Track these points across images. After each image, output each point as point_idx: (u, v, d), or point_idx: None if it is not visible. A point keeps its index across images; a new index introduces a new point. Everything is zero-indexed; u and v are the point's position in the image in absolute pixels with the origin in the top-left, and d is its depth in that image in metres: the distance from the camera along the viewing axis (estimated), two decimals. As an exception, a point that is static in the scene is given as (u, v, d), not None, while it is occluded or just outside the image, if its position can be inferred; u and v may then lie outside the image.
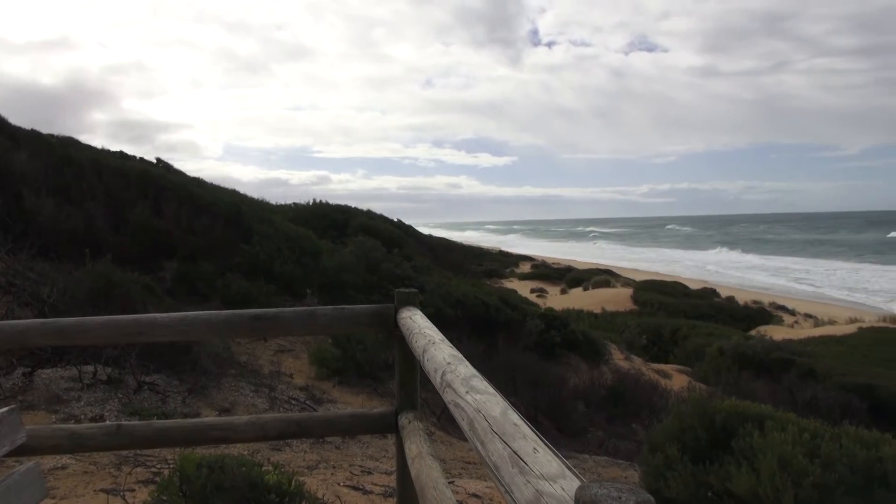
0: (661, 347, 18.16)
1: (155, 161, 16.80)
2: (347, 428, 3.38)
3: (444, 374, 1.69)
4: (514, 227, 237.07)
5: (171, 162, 17.91)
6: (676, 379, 12.93)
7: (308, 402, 6.71)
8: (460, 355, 1.85)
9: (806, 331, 22.14)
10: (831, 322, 23.81)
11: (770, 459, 3.69)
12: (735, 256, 72.03)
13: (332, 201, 22.63)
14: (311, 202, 21.77)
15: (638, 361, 13.55)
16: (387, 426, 2.89)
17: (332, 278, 10.70)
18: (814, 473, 3.56)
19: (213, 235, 9.80)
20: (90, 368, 5.67)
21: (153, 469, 4.14)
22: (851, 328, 21.39)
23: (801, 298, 35.40)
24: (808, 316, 26.77)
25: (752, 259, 67.44)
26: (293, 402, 6.56)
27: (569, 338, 11.91)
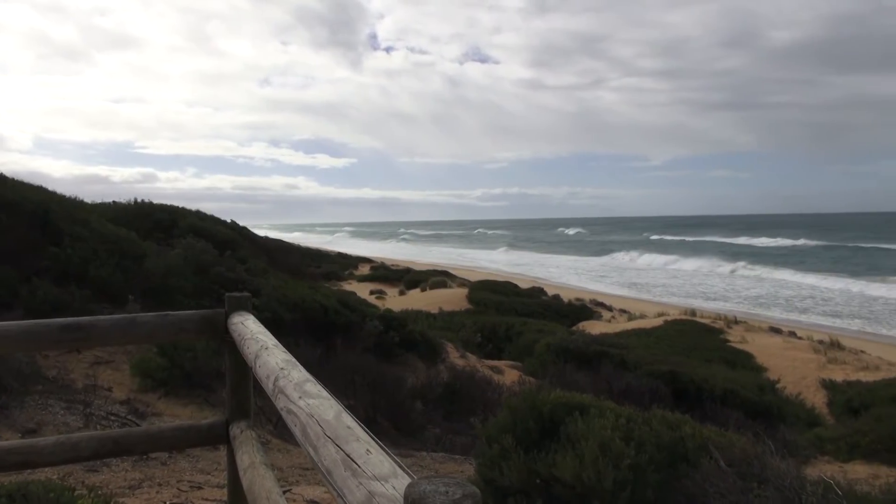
0: (495, 344, 18.93)
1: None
2: (174, 442, 3.17)
3: (276, 379, 1.65)
4: (345, 228, 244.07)
5: (-39, 154, 15.76)
6: (509, 374, 13.55)
7: (129, 416, 6.22)
8: (294, 360, 1.81)
9: (621, 325, 24.19)
10: (642, 316, 26.20)
11: (592, 445, 3.98)
12: (527, 256, 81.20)
13: (160, 201, 21.12)
14: (133, 201, 20.18)
15: (473, 359, 14.03)
16: (217, 437, 2.75)
17: (157, 283, 9.99)
18: (629, 455, 3.90)
19: (14, 237, 8.76)
20: None
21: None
22: (658, 321, 23.70)
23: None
24: (622, 311, 29.23)
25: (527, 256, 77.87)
26: (112, 417, 6.05)
27: (407, 338, 12.06)
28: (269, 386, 1.71)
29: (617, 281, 50.13)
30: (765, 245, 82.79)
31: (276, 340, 2.12)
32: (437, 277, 35.75)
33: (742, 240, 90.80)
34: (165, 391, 7.20)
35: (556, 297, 30.78)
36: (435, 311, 24.25)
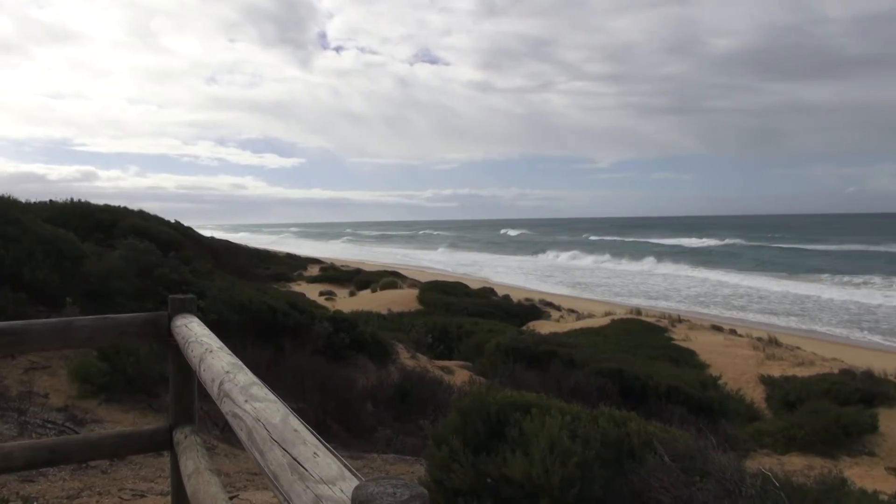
0: (446, 345, 18.98)
1: None
2: (114, 450, 3.07)
3: (221, 383, 1.61)
4: (291, 228, 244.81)
5: None
6: (459, 374, 13.60)
7: (67, 424, 5.99)
8: (240, 363, 1.78)
9: (570, 324, 24.57)
10: (590, 315, 26.67)
11: (540, 443, 4.03)
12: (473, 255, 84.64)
13: (100, 200, 20.47)
14: (71, 200, 19.47)
15: (424, 359, 14.03)
16: (160, 444, 2.68)
17: (97, 285, 9.66)
18: (577, 452, 3.96)
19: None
20: None
21: None
22: (606, 320, 24.16)
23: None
24: (571, 311, 29.68)
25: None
26: (49, 425, 5.82)
27: (357, 339, 11.98)
28: (214, 390, 1.67)
29: (562, 280, 51.57)
30: (695, 245, 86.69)
31: (222, 343, 2.08)
32: (388, 278, 35.63)
33: (673, 241, 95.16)
34: (106, 397, 6.97)
35: (506, 298, 31.05)
36: (385, 311, 24.16)
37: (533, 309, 28.95)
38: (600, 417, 4.56)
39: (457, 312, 24.62)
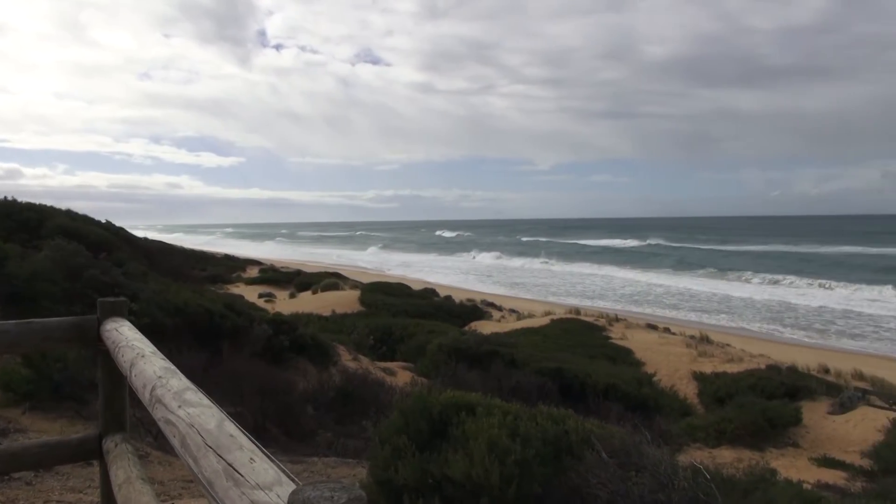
0: (388, 346, 18.92)
1: None
2: (39, 459, 2.93)
3: (154, 389, 1.57)
4: (226, 229, 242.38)
5: None
6: (401, 375, 13.58)
7: (-12, 434, 5.70)
8: (174, 368, 1.73)
9: (511, 324, 24.84)
10: (530, 315, 27.03)
11: (480, 443, 4.06)
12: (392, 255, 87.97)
13: (25, 199, 19.53)
14: (-8, 199, 18.52)
15: (366, 361, 13.95)
16: (89, 453, 2.58)
17: (21, 288, 9.22)
18: (515, 451, 4.01)
19: None
20: None
21: None
22: (546, 320, 24.53)
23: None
24: (512, 311, 30.02)
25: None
26: (-33, 436, 5.52)
27: (298, 341, 11.82)
28: (145, 396, 1.62)
29: (499, 281, 52.76)
30: (622, 246, 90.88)
31: (155, 347, 2.02)
32: (329, 280, 35.23)
33: (605, 242, 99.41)
34: (31, 405, 6.66)
35: (448, 298, 31.16)
36: (327, 313, 23.91)
37: (475, 309, 29.15)
38: (540, 416, 4.63)
39: (399, 314, 24.57)
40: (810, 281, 47.32)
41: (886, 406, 14.26)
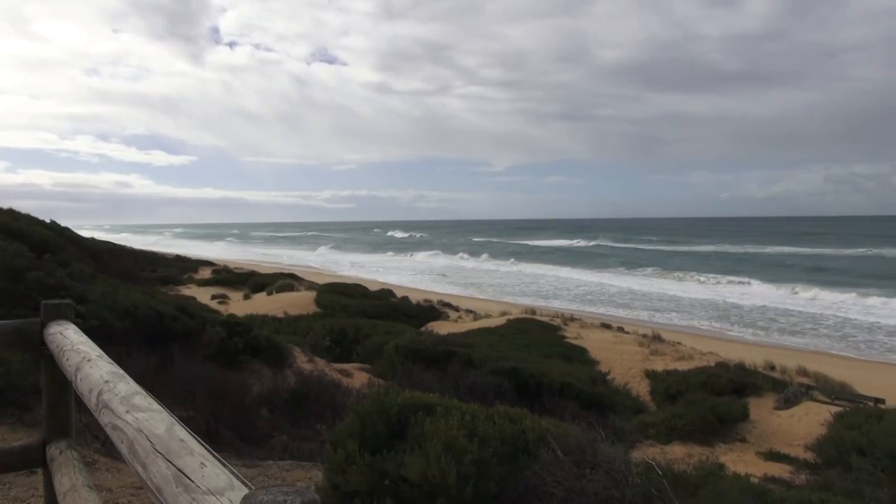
0: (345, 347, 18.78)
1: None
2: (-22, 469, 2.82)
3: (100, 393, 1.52)
4: (175, 229, 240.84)
5: None
6: (358, 377, 13.49)
7: (-78, 443, 5.44)
8: (122, 372, 1.68)
9: (467, 324, 24.94)
10: (487, 315, 27.18)
11: (437, 443, 4.07)
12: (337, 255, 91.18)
13: (-41, 198, 18.79)
14: (-72, 198, 17.74)
15: (321, 363, 13.81)
16: (32, 461, 2.49)
17: (-42, 290, 8.84)
18: (472, 451, 4.03)
19: None
20: None
21: None
22: (502, 320, 24.71)
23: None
24: (469, 311, 30.14)
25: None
26: None
27: (252, 344, 11.63)
28: (91, 401, 1.57)
29: (453, 281, 53.35)
30: (570, 247, 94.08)
31: (102, 351, 1.96)
32: (284, 281, 34.77)
33: (557, 242, 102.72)
34: (-31, 412, 6.39)
35: (405, 299, 31.10)
36: (282, 315, 23.60)
37: (431, 310, 29.16)
38: (497, 416, 4.65)
39: (355, 315, 24.41)
40: (751, 280, 49.15)
41: (828, 401, 14.80)
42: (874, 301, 37.99)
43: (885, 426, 10.10)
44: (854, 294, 40.33)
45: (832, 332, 30.22)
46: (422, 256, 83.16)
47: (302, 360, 13.01)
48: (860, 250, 76.04)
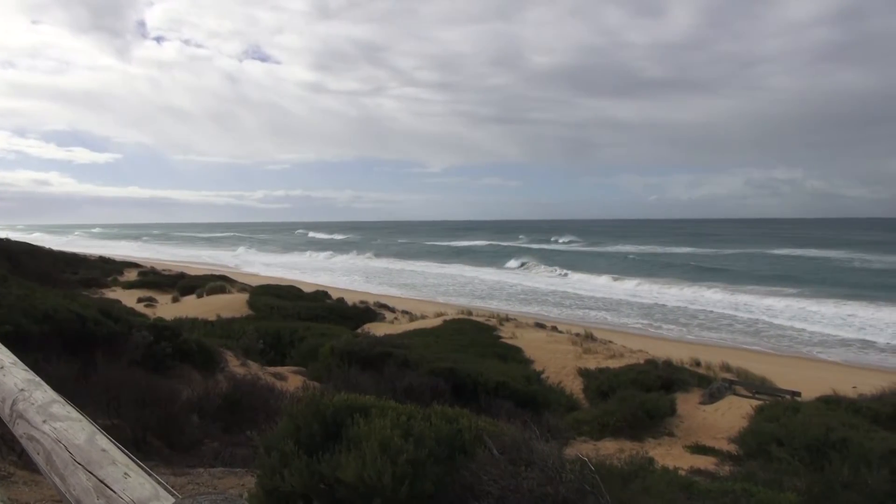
0: (279, 350, 18.44)
1: None
2: None
3: (14, 403, 1.43)
4: (94, 229, 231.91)
5: None
6: (292, 380, 13.26)
7: None
8: (38, 379, 1.60)
9: (404, 325, 24.90)
10: (423, 316, 27.21)
11: (372, 444, 4.04)
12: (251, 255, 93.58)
13: None
14: None
15: (255, 366, 13.52)
16: (-62, 476, 2.33)
17: None
18: (407, 451, 4.02)
19: None
20: None
21: None
22: (438, 321, 24.78)
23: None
24: (405, 312, 30.09)
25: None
26: None
27: (181, 348, 11.27)
28: (5, 411, 1.48)
29: (387, 281, 54.30)
30: (500, 248, 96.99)
31: (16, 357, 1.85)
32: (216, 282, 33.86)
33: (484, 242, 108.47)
34: None
35: (341, 300, 30.80)
36: (213, 318, 22.97)
37: (367, 311, 28.98)
38: (434, 416, 4.66)
39: (290, 317, 24.01)
40: (671, 281, 51.81)
41: (750, 395, 15.49)
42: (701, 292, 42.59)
43: (801, 418, 10.63)
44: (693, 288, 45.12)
45: (746, 327, 31.97)
46: (323, 256, 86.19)
47: (234, 364, 12.71)
48: (737, 251, 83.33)
